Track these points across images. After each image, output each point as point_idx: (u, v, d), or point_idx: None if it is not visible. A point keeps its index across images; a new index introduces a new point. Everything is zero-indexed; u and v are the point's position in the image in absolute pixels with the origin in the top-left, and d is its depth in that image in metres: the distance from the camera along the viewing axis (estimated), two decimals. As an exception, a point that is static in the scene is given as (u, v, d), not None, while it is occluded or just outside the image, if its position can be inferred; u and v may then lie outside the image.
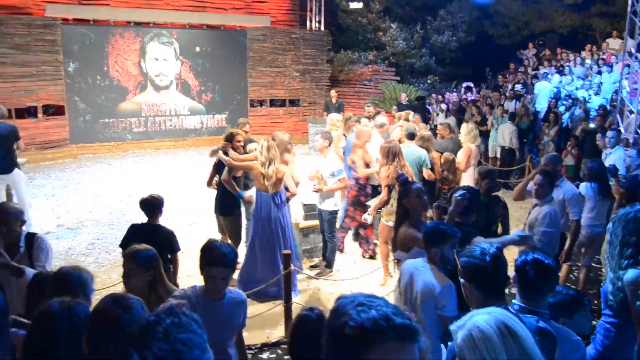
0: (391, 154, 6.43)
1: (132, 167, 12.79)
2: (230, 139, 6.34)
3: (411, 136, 7.37)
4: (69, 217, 8.98)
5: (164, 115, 15.44)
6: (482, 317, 1.73)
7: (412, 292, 3.48)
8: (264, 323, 5.60)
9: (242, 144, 6.47)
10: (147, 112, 15.17)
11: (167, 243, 4.69)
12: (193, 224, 8.52)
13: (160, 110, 15.36)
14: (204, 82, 15.96)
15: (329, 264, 6.81)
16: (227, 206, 6.37)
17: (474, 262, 2.47)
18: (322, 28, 17.96)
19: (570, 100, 12.80)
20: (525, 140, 12.56)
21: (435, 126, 14.22)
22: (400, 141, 7.61)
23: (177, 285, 4.63)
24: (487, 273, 2.44)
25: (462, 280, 2.51)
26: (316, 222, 7.10)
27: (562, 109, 12.77)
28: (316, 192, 6.52)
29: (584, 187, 5.97)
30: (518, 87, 14.95)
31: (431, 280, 3.38)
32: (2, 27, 12.57)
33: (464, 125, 8.33)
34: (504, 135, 12.01)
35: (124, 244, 4.90)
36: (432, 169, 7.59)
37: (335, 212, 6.72)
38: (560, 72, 15.26)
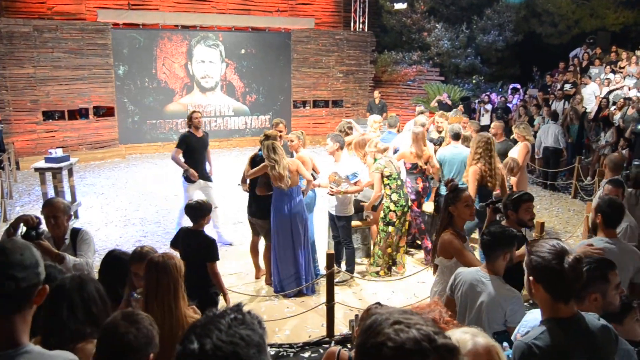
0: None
1: (178, 167, 12.90)
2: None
3: (456, 136, 7.21)
4: (117, 214, 9.20)
5: (209, 116, 15.67)
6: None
7: (473, 303, 3.36)
8: (306, 322, 5.58)
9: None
10: (193, 113, 15.39)
11: (205, 251, 4.72)
12: (237, 223, 8.59)
13: (206, 112, 15.57)
14: (248, 83, 16.12)
15: (351, 270, 6.59)
16: (260, 209, 6.34)
17: (550, 264, 2.26)
18: (366, 29, 17.88)
19: (622, 100, 12.31)
20: (571, 140, 12.19)
21: (481, 127, 13.98)
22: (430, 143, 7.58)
23: (224, 294, 4.67)
24: (562, 278, 2.26)
25: (530, 277, 2.37)
26: (356, 223, 7.03)
27: (612, 108, 12.30)
28: (332, 195, 6.39)
29: (627, 194, 5.69)
30: (567, 86, 14.49)
31: (499, 294, 3.28)
32: (58, 32, 13.02)
33: (524, 125, 8.02)
34: (548, 135, 11.63)
35: (173, 244, 5.01)
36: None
37: (350, 218, 6.59)
38: (613, 71, 14.71)
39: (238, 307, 1.48)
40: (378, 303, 2.89)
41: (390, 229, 6.54)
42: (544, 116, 12.36)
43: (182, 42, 15.07)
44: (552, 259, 2.27)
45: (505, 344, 2.66)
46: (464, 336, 1.71)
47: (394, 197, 6.47)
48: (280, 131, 6.97)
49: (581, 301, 2.60)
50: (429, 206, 7.54)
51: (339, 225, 6.54)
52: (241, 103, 16.11)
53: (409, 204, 6.71)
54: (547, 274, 2.28)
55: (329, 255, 5.42)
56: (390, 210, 6.49)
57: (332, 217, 6.65)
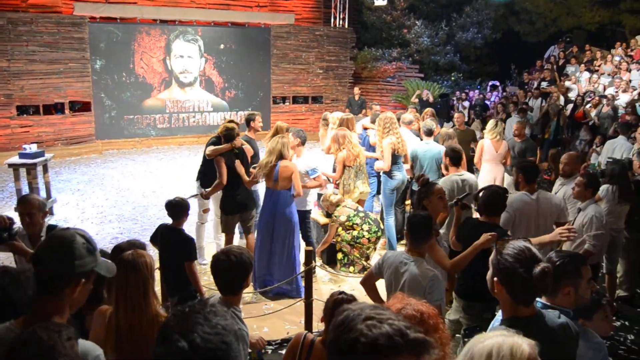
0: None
1: (156, 163, 12.91)
2: (231, 138, 6.22)
3: (429, 132, 7.31)
4: (93, 211, 9.10)
5: (188, 112, 15.55)
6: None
7: (397, 283, 3.59)
8: (284, 319, 5.59)
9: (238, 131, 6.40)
10: (171, 108, 15.30)
11: (183, 250, 4.70)
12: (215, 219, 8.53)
13: (184, 107, 15.47)
14: (227, 79, 16.03)
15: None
16: (245, 200, 6.33)
17: (517, 271, 2.29)
18: (346, 25, 17.89)
19: (597, 98, 12.52)
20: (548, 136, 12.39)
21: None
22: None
23: (201, 294, 4.64)
24: (528, 285, 2.29)
25: (494, 277, 2.40)
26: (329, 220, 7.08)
27: (588, 106, 12.51)
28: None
29: (602, 190, 5.82)
30: (544, 84, 14.70)
31: (418, 272, 3.49)
32: (33, 26, 12.78)
33: (491, 121, 8.30)
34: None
35: (152, 240, 4.97)
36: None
37: (309, 212, 6.67)
38: (589, 70, 14.95)
39: (203, 300, 1.54)
40: (343, 292, 2.96)
41: (358, 246, 6.67)
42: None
43: (160, 36, 14.92)
44: (520, 265, 2.29)
45: None
46: (519, 340, 1.63)
47: (365, 227, 6.65)
48: (259, 123, 7.16)
49: (554, 294, 2.65)
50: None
51: (306, 216, 6.61)
52: (220, 99, 16.02)
53: (381, 227, 6.85)
54: (513, 279, 2.30)
55: (307, 252, 5.44)
56: (363, 236, 6.61)
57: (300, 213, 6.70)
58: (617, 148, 8.90)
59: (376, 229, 6.69)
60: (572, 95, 13.88)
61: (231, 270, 2.89)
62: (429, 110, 9.50)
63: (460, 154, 5.95)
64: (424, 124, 7.51)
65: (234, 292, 2.99)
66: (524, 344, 1.60)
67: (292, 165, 6.02)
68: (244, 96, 16.33)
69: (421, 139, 8.04)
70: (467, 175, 5.94)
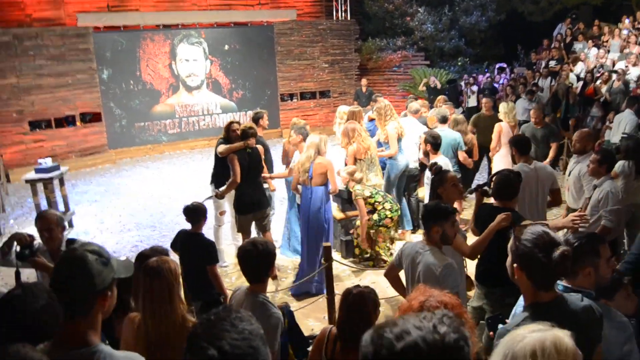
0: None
1: (169, 169, 13.02)
2: (249, 135, 6.27)
3: (444, 119, 7.39)
4: (112, 220, 9.22)
5: (197, 115, 15.64)
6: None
7: (414, 274, 3.64)
8: (308, 317, 5.65)
9: (238, 133, 6.47)
10: (180, 113, 15.39)
11: (204, 254, 4.76)
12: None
13: (193, 111, 15.56)
14: (234, 79, 16.08)
15: None
16: (258, 198, 6.42)
17: (537, 255, 2.30)
18: (349, 17, 17.85)
19: (607, 73, 12.40)
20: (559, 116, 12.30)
21: (468, 109, 14.07)
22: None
23: (225, 296, 4.69)
24: (548, 269, 2.30)
25: (514, 264, 2.42)
26: (356, 212, 7.10)
27: (598, 82, 12.40)
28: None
29: (619, 166, 5.80)
30: (552, 63, 14.58)
31: (432, 261, 3.52)
32: (38, 40, 12.92)
33: (503, 104, 8.32)
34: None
35: (173, 246, 5.04)
36: (467, 152, 7.60)
37: None
38: (597, 46, 14.81)
39: (227, 307, 1.58)
40: (358, 286, 3.02)
41: (382, 229, 6.65)
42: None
43: (164, 41, 15.00)
44: (539, 250, 2.30)
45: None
46: (559, 334, 1.62)
47: (387, 206, 6.62)
48: (266, 121, 7.33)
49: (574, 276, 2.67)
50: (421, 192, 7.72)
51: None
52: (228, 100, 16.08)
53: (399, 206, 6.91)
54: (532, 264, 2.32)
55: (326, 248, 5.48)
56: (386, 217, 6.58)
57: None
58: (622, 122, 8.86)
59: (397, 208, 6.70)
60: (580, 72, 13.76)
61: (258, 258, 3.15)
62: (441, 97, 9.49)
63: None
64: (437, 111, 7.57)
65: (261, 280, 3.26)
66: (565, 338, 1.61)
67: (327, 162, 6.14)
68: (251, 96, 16.38)
69: (428, 127, 8.12)
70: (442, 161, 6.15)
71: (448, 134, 7.27)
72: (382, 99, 9.62)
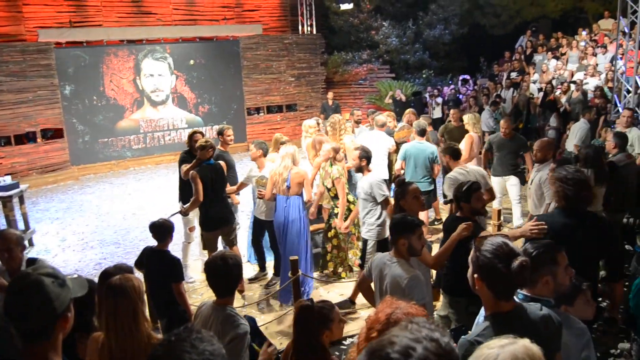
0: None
1: (134, 184, 12.84)
2: (206, 148, 6.21)
3: (422, 132, 7.52)
4: (74, 238, 9.02)
5: (162, 130, 15.48)
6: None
7: (382, 284, 3.69)
8: (275, 332, 5.60)
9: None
10: (145, 128, 15.21)
11: (169, 271, 4.68)
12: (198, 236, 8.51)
13: (159, 126, 15.39)
14: (200, 94, 15.99)
15: (277, 272, 6.71)
16: (224, 215, 6.37)
17: (496, 266, 2.33)
18: (314, 31, 17.96)
19: (566, 84, 12.75)
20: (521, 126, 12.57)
21: (433, 120, 14.27)
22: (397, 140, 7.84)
23: (190, 314, 4.61)
24: (507, 279, 2.34)
25: (474, 274, 2.45)
26: (321, 225, 7.09)
27: (558, 92, 12.73)
28: (260, 197, 6.45)
29: None
30: (514, 75, 14.93)
31: (398, 273, 3.56)
32: (-3, 55, 12.64)
33: (468, 115, 8.46)
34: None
35: (137, 264, 4.94)
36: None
37: (268, 221, 6.69)
38: (556, 57, 15.22)
39: (189, 327, 1.56)
40: (310, 300, 3.01)
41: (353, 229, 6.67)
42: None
43: (128, 57, 14.84)
44: (498, 261, 2.34)
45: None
46: (527, 344, 1.66)
47: (350, 198, 6.62)
48: (229, 136, 7.22)
49: (533, 284, 2.71)
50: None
51: (271, 229, 6.59)
52: (194, 114, 15.96)
53: None
54: (492, 275, 2.36)
55: (292, 262, 5.47)
56: (349, 211, 6.57)
57: (260, 223, 6.70)
58: (575, 131, 9.10)
59: (354, 201, 6.73)
60: (536, 82, 14.13)
61: (227, 272, 3.11)
62: (410, 110, 9.57)
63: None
64: (416, 123, 7.68)
65: (230, 294, 3.23)
66: (534, 347, 1.65)
67: (303, 172, 6.22)
68: (217, 110, 16.31)
69: (395, 141, 8.24)
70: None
71: (425, 147, 7.38)
72: (358, 112, 9.73)
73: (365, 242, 5.98)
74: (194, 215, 6.74)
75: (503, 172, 7.92)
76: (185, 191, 6.60)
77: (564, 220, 3.68)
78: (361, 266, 6.31)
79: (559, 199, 3.76)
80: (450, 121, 9.38)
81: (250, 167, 6.82)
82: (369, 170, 5.99)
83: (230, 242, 6.43)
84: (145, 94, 15.17)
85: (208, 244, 6.40)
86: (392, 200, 7.31)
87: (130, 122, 14.99)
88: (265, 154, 6.66)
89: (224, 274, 3.12)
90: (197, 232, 6.99)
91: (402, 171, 7.54)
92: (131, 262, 5.03)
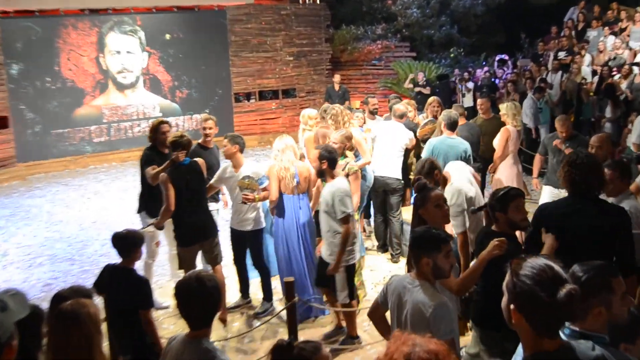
0: None
1: (95, 187, 12.80)
2: (180, 145, 6.10)
3: (452, 126, 7.36)
4: (19, 252, 8.98)
5: (131, 120, 15.44)
6: None
7: (401, 314, 3.60)
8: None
9: (168, 136, 6.40)
10: (109, 117, 15.21)
11: (136, 295, 4.62)
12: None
13: (126, 114, 15.39)
14: (177, 76, 15.98)
15: (268, 297, 6.68)
16: (205, 225, 6.30)
17: (538, 295, 2.25)
18: (318, 1, 17.94)
19: (628, 67, 12.65)
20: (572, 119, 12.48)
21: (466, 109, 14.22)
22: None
23: (160, 348, 4.53)
24: (552, 311, 2.25)
25: (510, 305, 2.38)
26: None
27: (617, 77, 12.63)
28: (248, 202, 6.37)
29: None
30: (562, 54, 14.85)
31: (421, 299, 3.47)
32: None
33: (507, 104, 8.34)
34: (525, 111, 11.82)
35: (97, 286, 4.86)
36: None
37: (261, 231, 6.62)
38: (614, 33, 15.13)
39: None
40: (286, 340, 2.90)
41: None
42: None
43: (90, 29, 14.85)
44: (541, 288, 2.25)
45: None
46: None
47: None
48: (210, 128, 7.13)
49: (583, 317, 2.64)
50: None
51: (255, 242, 6.53)
52: (170, 100, 15.98)
53: None
54: (533, 306, 2.27)
55: (287, 284, 5.41)
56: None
57: (240, 236, 6.59)
58: (639, 123, 8.86)
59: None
60: (591, 66, 14.04)
61: (204, 297, 2.99)
62: (435, 100, 9.45)
63: (336, 156, 5.93)
64: (445, 114, 7.55)
65: (207, 324, 3.09)
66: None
67: (308, 166, 6.41)
68: (199, 96, 16.30)
69: (415, 134, 8.18)
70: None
71: (457, 143, 7.28)
72: (373, 100, 9.64)
73: (325, 265, 5.85)
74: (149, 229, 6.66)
75: (559, 183, 7.73)
76: (151, 199, 6.54)
77: (569, 207, 4.08)
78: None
79: (566, 184, 4.17)
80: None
81: (223, 166, 6.74)
82: (333, 177, 5.80)
83: (213, 259, 6.35)
84: (110, 75, 15.17)
85: (184, 261, 6.31)
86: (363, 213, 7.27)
87: (91, 109, 14.98)
88: (242, 150, 6.58)
89: (199, 299, 3.00)
90: (165, 247, 6.96)
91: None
92: (89, 282, 4.98)
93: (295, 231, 6.24)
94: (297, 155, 6.36)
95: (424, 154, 7.51)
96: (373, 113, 9.29)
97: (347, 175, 6.34)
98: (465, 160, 7.30)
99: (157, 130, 6.70)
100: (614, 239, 3.96)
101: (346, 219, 5.56)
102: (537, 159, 8.13)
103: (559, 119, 8.15)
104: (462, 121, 8.40)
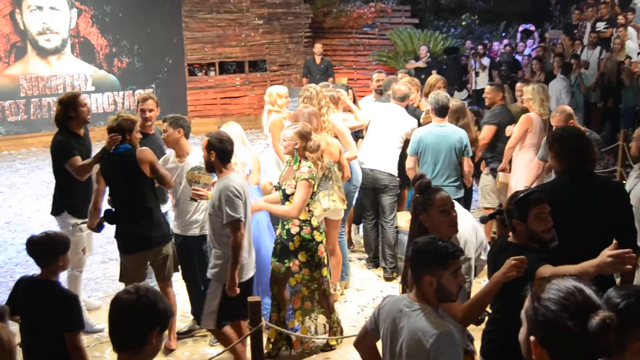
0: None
1: (9, 177, 12.79)
2: (127, 128, 6.15)
3: (442, 111, 7.38)
4: None
5: (56, 94, 15.33)
6: None
7: (395, 344, 3.58)
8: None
9: (139, 134, 6.38)
10: (28, 90, 15.15)
11: (60, 313, 4.61)
12: (107, 261, 8.50)
13: (49, 87, 15.34)
14: (115, 40, 15.96)
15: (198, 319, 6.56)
16: (157, 228, 6.33)
17: (565, 323, 2.26)
18: (295, -51, 17.97)
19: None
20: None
21: (476, 92, 14.33)
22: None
23: None
24: (582, 344, 2.26)
25: (530, 336, 2.42)
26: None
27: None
28: (198, 199, 6.36)
29: None
30: (601, 25, 14.94)
31: (421, 327, 3.46)
32: None
33: (532, 86, 8.35)
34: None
35: (12, 304, 4.84)
36: (472, 158, 7.70)
37: (205, 237, 6.41)
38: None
39: None
40: None
41: (324, 271, 6.54)
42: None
43: (4, -22, 14.80)
44: (568, 316, 2.27)
45: None
46: None
47: (314, 222, 6.42)
48: (150, 110, 7.03)
49: (620, 353, 2.68)
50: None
51: (201, 251, 6.41)
52: (106, 71, 15.94)
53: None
54: (558, 337, 2.29)
55: (252, 304, 5.46)
56: (318, 243, 6.49)
57: (188, 242, 6.54)
58: None
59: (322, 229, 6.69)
60: (637, 42, 14.17)
61: (134, 314, 2.89)
62: (438, 79, 9.48)
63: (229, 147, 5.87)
64: (433, 97, 7.56)
65: (133, 348, 2.93)
66: None
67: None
68: (143, 66, 16.28)
69: (418, 120, 8.19)
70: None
71: (448, 132, 7.31)
72: (380, 75, 9.69)
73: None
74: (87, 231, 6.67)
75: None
76: (74, 195, 6.59)
77: (567, 187, 4.53)
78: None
79: (557, 162, 4.66)
80: (469, 96, 9.42)
81: (164, 156, 6.75)
82: (222, 171, 5.74)
83: (161, 274, 6.38)
84: (29, 37, 15.10)
85: (126, 273, 6.36)
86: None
87: (4, 79, 14.94)
88: (187, 135, 6.57)
89: (127, 317, 2.92)
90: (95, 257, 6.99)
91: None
92: (2, 298, 4.99)
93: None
94: (246, 144, 6.57)
95: (409, 150, 7.50)
96: (380, 93, 9.22)
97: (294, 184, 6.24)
98: (462, 153, 7.31)
99: (72, 105, 6.52)
100: (618, 215, 4.47)
101: (235, 226, 5.54)
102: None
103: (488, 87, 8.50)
104: (497, 100, 8.52)
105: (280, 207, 6.25)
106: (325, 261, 6.38)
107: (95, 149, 6.67)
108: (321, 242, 6.28)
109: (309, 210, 6.32)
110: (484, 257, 5.10)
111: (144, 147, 6.32)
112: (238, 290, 5.49)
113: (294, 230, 6.18)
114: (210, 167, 5.74)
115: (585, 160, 4.60)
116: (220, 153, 5.59)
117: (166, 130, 6.39)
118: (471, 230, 5.31)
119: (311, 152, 6.29)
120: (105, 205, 6.31)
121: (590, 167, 4.70)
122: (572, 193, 4.40)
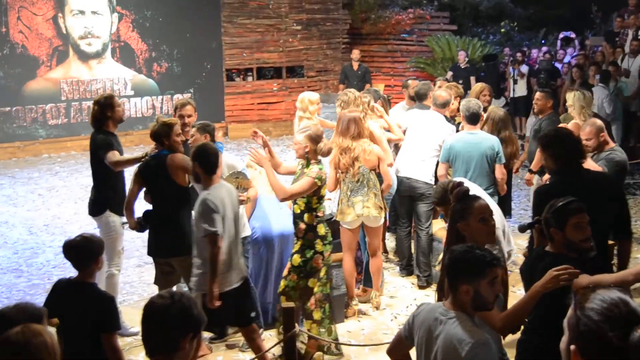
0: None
1: (49, 180, 12.86)
2: (163, 134, 6.18)
3: (473, 118, 7.35)
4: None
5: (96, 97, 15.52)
6: None
7: (430, 352, 3.56)
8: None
9: (182, 139, 6.41)
10: (69, 94, 15.28)
11: (98, 315, 4.64)
12: (142, 265, 8.54)
13: (90, 91, 15.42)
14: (155, 45, 16.04)
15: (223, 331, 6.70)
16: (182, 239, 6.33)
17: (606, 335, 2.21)
18: (335, -45, 17.98)
19: None
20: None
21: (513, 100, 14.22)
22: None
23: None
24: (623, 356, 2.20)
25: (571, 346, 2.40)
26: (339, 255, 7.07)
27: None
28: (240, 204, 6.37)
29: None
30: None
31: (457, 335, 3.43)
32: None
33: (575, 93, 8.25)
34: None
35: (49, 306, 4.88)
36: (506, 165, 7.65)
37: (244, 239, 6.53)
38: None
39: None
40: None
41: (312, 282, 6.44)
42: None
43: (47, -17, 14.95)
44: (610, 327, 2.23)
45: None
46: None
47: (321, 230, 6.37)
48: (189, 116, 7.06)
49: None
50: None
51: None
52: (145, 76, 16.04)
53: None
54: (598, 349, 2.25)
55: (286, 310, 5.46)
56: (316, 252, 6.44)
57: None
58: None
59: (331, 239, 6.56)
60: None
61: (165, 319, 2.89)
62: (483, 87, 9.36)
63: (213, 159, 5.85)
64: (465, 105, 7.53)
65: (167, 351, 2.92)
66: None
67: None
68: (181, 71, 16.35)
69: (456, 127, 8.14)
70: None
71: (479, 140, 7.27)
72: (415, 82, 9.64)
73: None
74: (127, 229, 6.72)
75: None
76: (116, 194, 6.70)
77: (563, 186, 4.81)
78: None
79: (552, 162, 5.04)
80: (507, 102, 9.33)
81: None
82: (207, 182, 5.67)
83: (186, 281, 6.40)
84: (71, 41, 15.23)
85: (157, 276, 6.41)
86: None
87: (46, 83, 15.07)
88: (213, 139, 6.62)
89: (160, 322, 2.93)
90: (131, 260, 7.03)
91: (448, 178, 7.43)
92: (40, 300, 5.03)
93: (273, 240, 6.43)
94: None
95: (440, 158, 7.48)
96: (414, 99, 9.16)
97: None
98: (494, 160, 7.26)
99: (109, 105, 6.66)
100: (612, 204, 4.93)
101: (212, 239, 5.46)
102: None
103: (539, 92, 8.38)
104: (547, 108, 8.51)
105: (274, 179, 6.17)
106: (320, 274, 6.24)
107: (132, 153, 6.74)
108: (321, 252, 6.18)
109: (317, 216, 6.25)
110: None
111: (176, 154, 6.35)
112: (218, 303, 5.46)
113: (300, 233, 6.21)
114: (196, 177, 5.79)
115: (579, 158, 5.02)
116: (203, 164, 5.59)
117: (194, 135, 6.48)
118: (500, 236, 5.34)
119: (322, 155, 6.33)
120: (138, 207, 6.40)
121: (577, 162, 5.05)
122: (571, 191, 4.36)
